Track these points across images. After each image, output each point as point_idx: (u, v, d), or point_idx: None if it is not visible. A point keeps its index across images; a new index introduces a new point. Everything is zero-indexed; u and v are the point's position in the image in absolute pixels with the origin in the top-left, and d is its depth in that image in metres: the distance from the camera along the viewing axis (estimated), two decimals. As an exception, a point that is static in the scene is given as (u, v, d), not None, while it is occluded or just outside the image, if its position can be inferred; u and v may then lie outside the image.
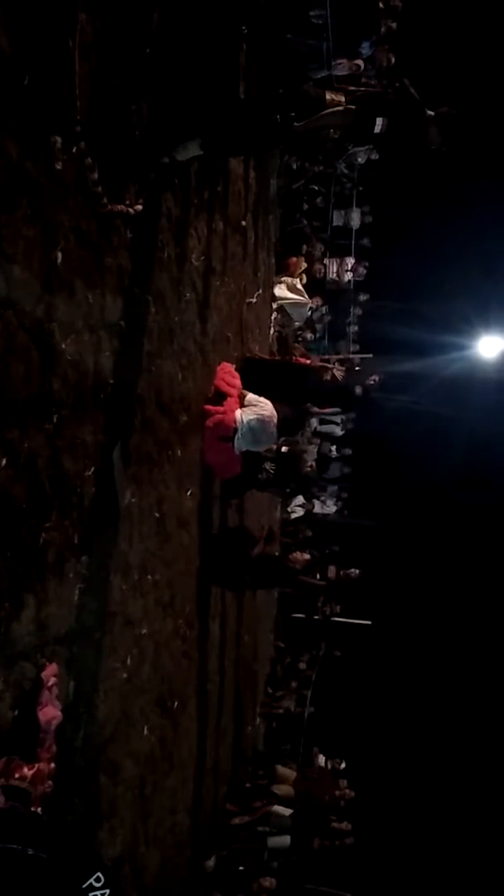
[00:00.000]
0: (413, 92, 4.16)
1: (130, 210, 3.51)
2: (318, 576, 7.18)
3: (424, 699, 13.53)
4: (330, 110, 4.07)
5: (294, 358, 8.54)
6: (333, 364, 7.38)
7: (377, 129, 4.17)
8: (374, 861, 9.71)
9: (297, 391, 7.71)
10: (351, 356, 8.82)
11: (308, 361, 8.92)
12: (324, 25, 8.26)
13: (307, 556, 6.62)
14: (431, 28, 11.09)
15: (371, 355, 7.72)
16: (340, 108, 4.09)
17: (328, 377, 7.15)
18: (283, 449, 6.30)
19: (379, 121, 4.14)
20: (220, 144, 4.22)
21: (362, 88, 4.35)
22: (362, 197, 13.02)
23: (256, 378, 7.11)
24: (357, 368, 7.86)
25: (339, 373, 7.14)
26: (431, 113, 4.19)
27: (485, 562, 14.13)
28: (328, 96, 4.16)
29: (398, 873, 11.06)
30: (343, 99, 4.13)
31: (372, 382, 7.20)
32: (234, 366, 6.27)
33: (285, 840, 7.70)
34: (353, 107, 4.11)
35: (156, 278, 4.20)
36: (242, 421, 5.56)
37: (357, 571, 6.66)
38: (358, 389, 7.20)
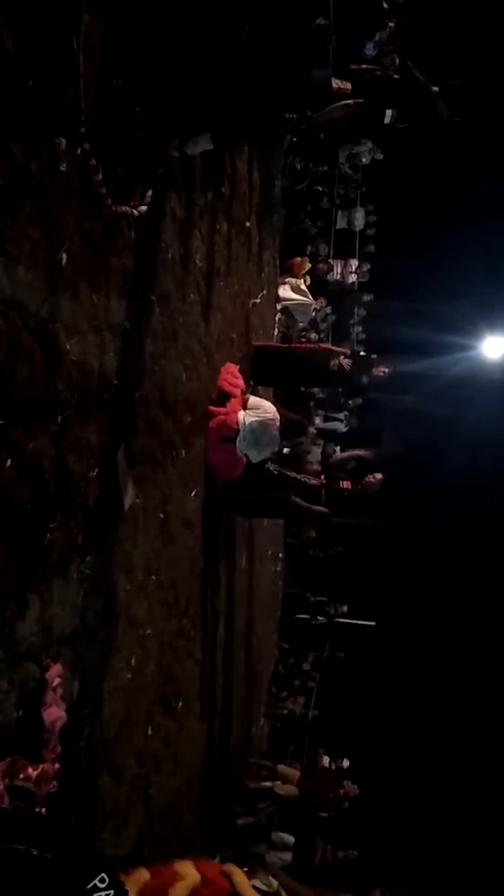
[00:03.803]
0: (417, 73, 4.16)
1: (135, 211, 3.51)
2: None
3: (428, 700, 13.52)
4: (339, 104, 4.06)
5: (297, 343, 8.47)
6: (341, 355, 7.18)
7: (386, 119, 4.17)
8: (374, 862, 9.69)
9: (303, 375, 7.68)
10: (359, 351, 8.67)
11: (312, 344, 8.81)
12: (329, 26, 8.27)
13: (380, 477, 6.27)
14: (431, 15, 11.05)
15: (375, 356, 7.68)
16: (350, 101, 4.09)
17: (334, 366, 7.06)
18: (286, 450, 6.27)
19: (388, 112, 4.14)
20: (230, 137, 4.20)
21: (366, 73, 4.33)
22: (366, 197, 13.03)
23: (266, 367, 7.10)
24: (373, 357, 7.56)
25: (346, 362, 7.02)
26: (437, 89, 4.19)
27: (488, 563, 14.11)
28: (335, 84, 4.15)
29: (398, 875, 11.03)
30: (349, 86, 4.12)
31: (381, 374, 7.03)
32: (239, 366, 6.27)
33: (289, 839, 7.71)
34: (362, 100, 4.11)
35: (160, 279, 4.20)
36: (245, 423, 5.57)
37: (380, 476, 6.26)
38: (364, 379, 7.05)
